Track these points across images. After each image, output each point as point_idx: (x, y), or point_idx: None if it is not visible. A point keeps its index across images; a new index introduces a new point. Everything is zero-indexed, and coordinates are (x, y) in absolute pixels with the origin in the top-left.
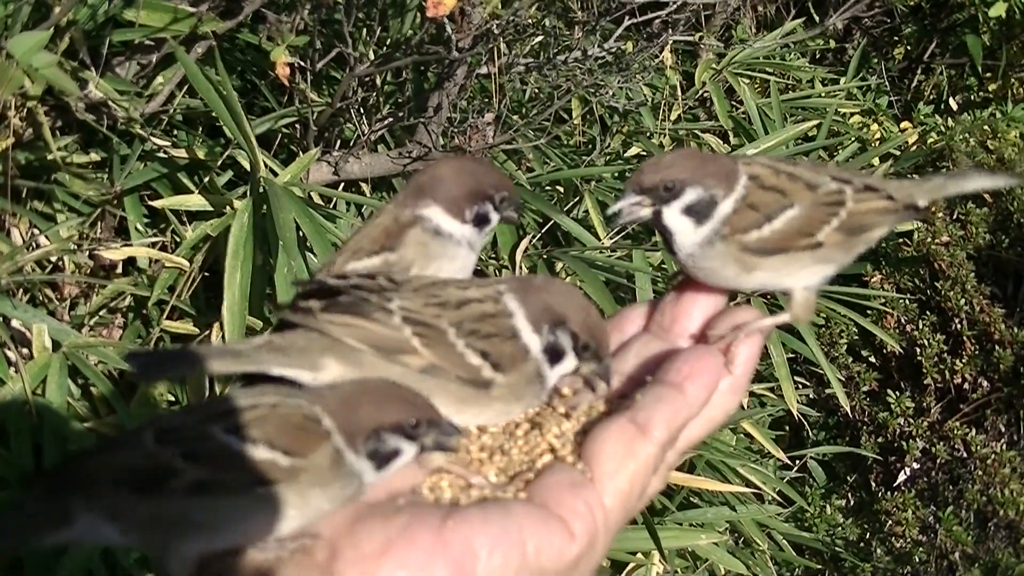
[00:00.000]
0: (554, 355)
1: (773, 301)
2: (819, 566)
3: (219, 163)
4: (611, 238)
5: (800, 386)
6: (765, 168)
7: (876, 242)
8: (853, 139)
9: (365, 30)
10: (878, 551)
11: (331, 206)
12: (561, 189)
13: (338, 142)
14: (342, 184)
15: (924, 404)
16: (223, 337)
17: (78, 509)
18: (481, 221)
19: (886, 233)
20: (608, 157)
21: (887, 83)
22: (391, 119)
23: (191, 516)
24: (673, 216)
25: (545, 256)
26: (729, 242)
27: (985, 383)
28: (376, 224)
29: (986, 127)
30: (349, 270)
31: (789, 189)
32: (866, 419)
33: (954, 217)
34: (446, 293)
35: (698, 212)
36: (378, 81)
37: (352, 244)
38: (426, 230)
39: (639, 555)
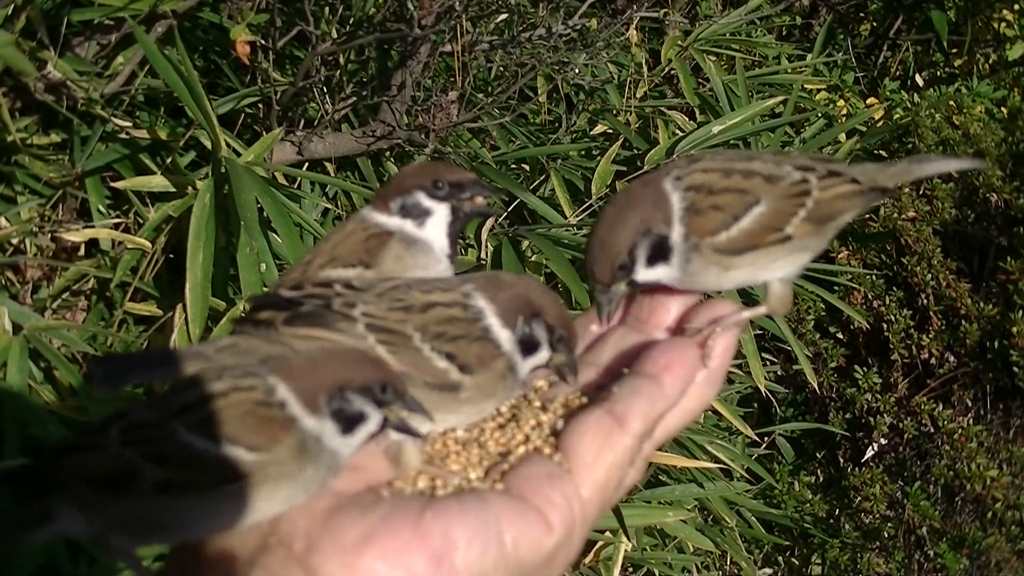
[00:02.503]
0: (528, 347)
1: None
2: (788, 542)
3: (181, 143)
4: (577, 216)
5: (768, 363)
6: (712, 174)
7: (845, 226)
8: (819, 115)
9: (327, 8)
10: (846, 527)
11: (295, 186)
12: (527, 167)
13: (302, 121)
14: (306, 164)
15: (891, 380)
16: (186, 319)
17: (58, 507)
18: (424, 213)
19: (856, 216)
20: (574, 135)
21: (853, 59)
22: (355, 98)
23: (158, 514)
24: (643, 272)
25: (511, 234)
26: (703, 250)
27: (952, 358)
28: (350, 231)
29: (952, 102)
30: (323, 276)
31: (747, 187)
32: (834, 395)
33: (920, 192)
34: (411, 296)
35: (660, 254)
36: (341, 60)
37: (328, 248)
38: (401, 241)
39: (607, 533)
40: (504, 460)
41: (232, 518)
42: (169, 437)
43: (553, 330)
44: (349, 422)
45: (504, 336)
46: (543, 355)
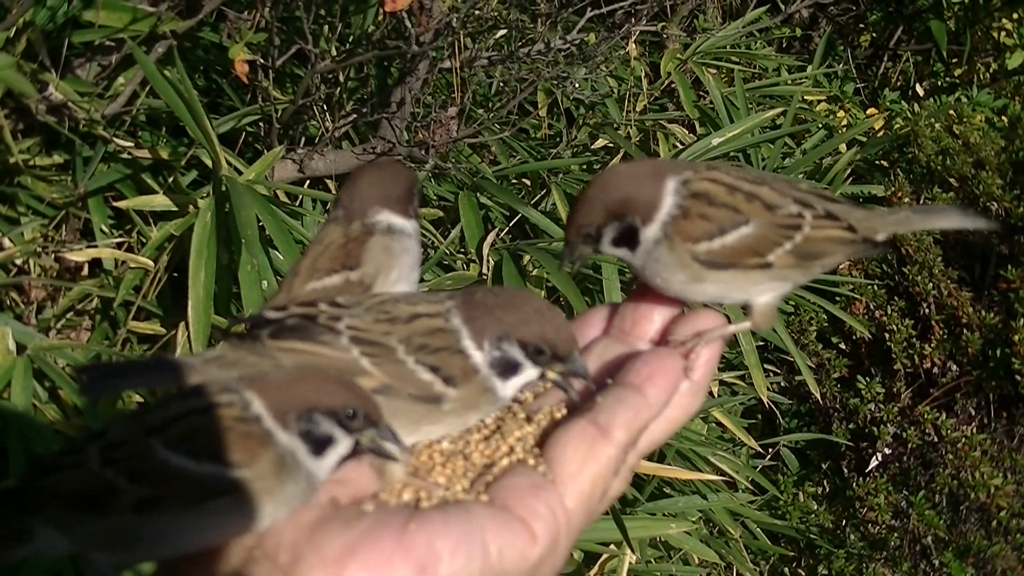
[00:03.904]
0: (506, 368)
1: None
2: (793, 553)
3: (183, 163)
4: None
5: (770, 374)
6: (719, 185)
7: (833, 267)
8: (819, 126)
9: (326, 26)
10: (852, 537)
11: (296, 203)
12: (528, 182)
13: (303, 139)
14: (307, 181)
15: (894, 389)
16: (189, 337)
17: (37, 526)
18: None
19: (842, 261)
20: (575, 149)
21: (853, 70)
22: (355, 115)
23: (138, 532)
24: (608, 248)
25: (512, 249)
26: (678, 249)
27: (954, 367)
28: (328, 242)
29: (952, 112)
30: (308, 290)
31: (744, 208)
32: (837, 405)
33: (921, 202)
34: (397, 309)
35: (626, 240)
36: (341, 77)
37: (308, 263)
38: (384, 234)
39: (612, 546)
40: (488, 471)
41: (214, 535)
42: (147, 455)
43: (527, 346)
44: (318, 444)
45: (478, 356)
46: (529, 373)
